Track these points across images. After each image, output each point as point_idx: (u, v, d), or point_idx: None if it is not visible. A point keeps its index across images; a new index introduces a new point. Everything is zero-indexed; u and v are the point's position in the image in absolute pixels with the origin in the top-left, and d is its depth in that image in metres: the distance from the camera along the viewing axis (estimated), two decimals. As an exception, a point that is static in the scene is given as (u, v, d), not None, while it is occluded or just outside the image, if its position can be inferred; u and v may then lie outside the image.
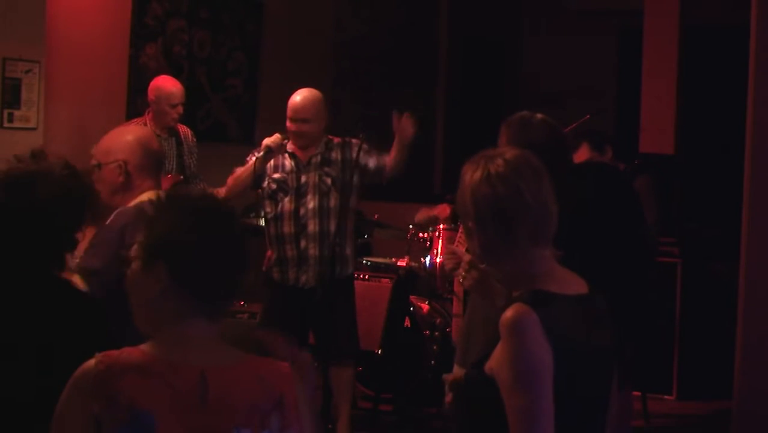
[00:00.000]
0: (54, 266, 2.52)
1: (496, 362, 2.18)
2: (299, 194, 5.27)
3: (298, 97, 5.27)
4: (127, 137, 3.46)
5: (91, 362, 1.91)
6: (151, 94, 6.07)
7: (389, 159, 5.37)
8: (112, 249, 2.93)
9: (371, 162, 5.35)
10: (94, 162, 3.40)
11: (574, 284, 2.30)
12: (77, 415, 1.89)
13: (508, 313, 2.16)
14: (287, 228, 5.27)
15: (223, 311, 2.01)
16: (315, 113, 5.25)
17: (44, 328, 2.39)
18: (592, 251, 3.61)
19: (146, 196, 3.29)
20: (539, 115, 3.49)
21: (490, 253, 2.28)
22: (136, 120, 6.19)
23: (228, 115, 7.74)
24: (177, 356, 1.95)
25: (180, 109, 5.99)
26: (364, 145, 5.29)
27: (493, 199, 2.22)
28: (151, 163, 3.42)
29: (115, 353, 1.93)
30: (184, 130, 6.17)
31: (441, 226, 6.16)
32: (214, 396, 1.92)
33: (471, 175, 2.27)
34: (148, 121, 6.04)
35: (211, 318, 2.00)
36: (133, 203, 3.32)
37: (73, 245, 2.56)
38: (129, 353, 1.93)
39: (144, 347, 1.96)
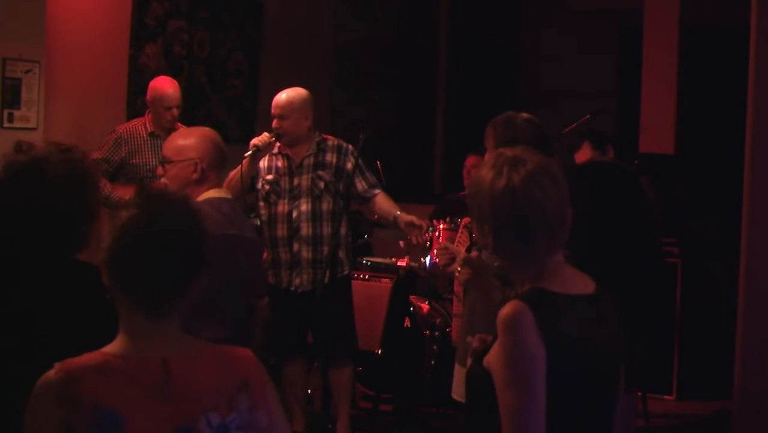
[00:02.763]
0: (71, 250, 2.53)
1: (492, 356, 2.20)
2: (292, 197, 5.25)
3: (281, 94, 5.26)
4: (200, 137, 3.67)
5: (51, 372, 1.94)
6: (148, 94, 6.07)
7: (379, 202, 5.36)
8: None
9: (359, 185, 5.33)
10: (165, 159, 3.62)
11: (580, 284, 2.32)
12: (44, 426, 1.91)
13: (505, 309, 2.19)
14: (280, 231, 5.26)
15: (171, 308, 2.02)
16: (292, 110, 5.20)
17: (65, 313, 2.41)
18: (603, 250, 3.62)
19: (212, 193, 3.55)
20: (524, 115, 3.52)
21: (503, 256, 2.32)
22: (136, 120, 6.18)
23: (228, 115, 7.74)
24: (137, 350, 1.98)
25: (175, 111, 5.95)
26: (360, 162, 5.27)
27: (514, 212, 2.23)
28: (220, 161, 3.65)
29: (74, 359, 1.96)
30: None
31: (441, 226, 6.16)
32: (178, 384, 1.95)
33: (492, 181, 2.26)
34: (147, 122, 6.03)
35: (158, 315, 2.01)
36: (200, 199, 3.48)
37: (90, 226, 2.56)
38: (88, 357, 1.96)
39: (106, 348, 1.99)
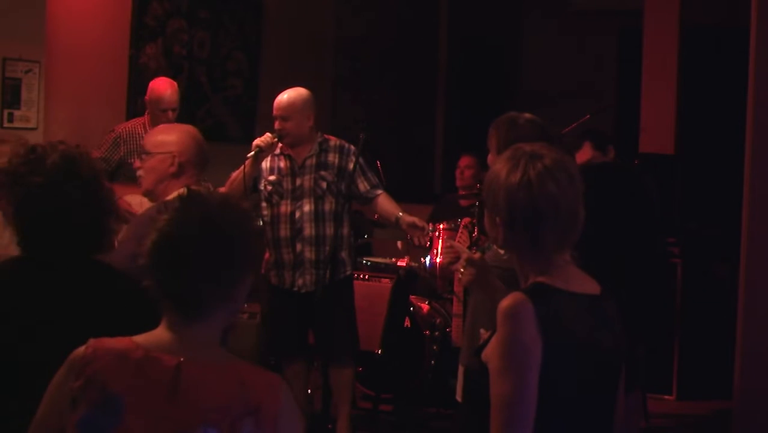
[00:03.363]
0: (96, 250, 2.51)
1: (490, 348, 2.21)
2: (295, 197, 5.26)
3: (283, 95, 5.25)
4: (181, 132, 3.62)
5: (83, 347, 1.99)
6: (147, 94, 6.05)
7: (381, 202, 5.36)
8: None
9: (361, 186, 5.34)
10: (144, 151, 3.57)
11: (584, 284, 2.32)
12: (61, 393, 1.97)
13: (506, 301, 2.20)
14: (283, 231, 5.26)
15: (208, 312, 2.00)
16: (295, 111, 5.19)
17: (85, 313, 2.41)
18: (605, 251, 3.61)
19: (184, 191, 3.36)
20: (527, 115, 3.52)
21: (513, 249, 2.32)
22: (135, 120, 6.18)
23: (228, 115, 7.75)
24: (161, 347, 1.99)
25: (170, 114, 5.91)
26: (361, 160, 5.28)
27: (529, 206, 2.24)
28: (200, 159, 3.58)
29: (105, 339, 1.99)
30: None
31: (441, 226, 6.16)
32: (185, 389, 1.94)
33: (508, 174, 2.26)
34: (146, 122, 6.02)
35: (193, 318, 2.00)
36: (170, 197, 3.40)
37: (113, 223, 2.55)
38: (117, 341, 1.99)
39: (139, 336, 2.01)
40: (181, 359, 1.96)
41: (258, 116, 7.80)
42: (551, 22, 10.14)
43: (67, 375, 1.98)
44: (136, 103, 6.76)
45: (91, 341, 1.99)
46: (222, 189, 5.27)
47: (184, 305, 2.00)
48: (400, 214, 5.31)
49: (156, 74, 6.51)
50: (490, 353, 2.20)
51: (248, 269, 2.04)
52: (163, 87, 5.96)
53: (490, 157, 3.52)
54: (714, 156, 8.00)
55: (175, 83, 6.05)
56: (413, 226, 5.25)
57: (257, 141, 5.14)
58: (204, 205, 2.03)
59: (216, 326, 2.04)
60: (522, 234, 2.26)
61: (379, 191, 5.39)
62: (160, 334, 2.01)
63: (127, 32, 6.86)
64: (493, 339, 2.21)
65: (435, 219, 6.64)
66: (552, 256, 2.27)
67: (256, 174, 5.25)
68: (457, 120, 9.93)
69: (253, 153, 5.10)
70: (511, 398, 2.14)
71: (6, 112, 5.77)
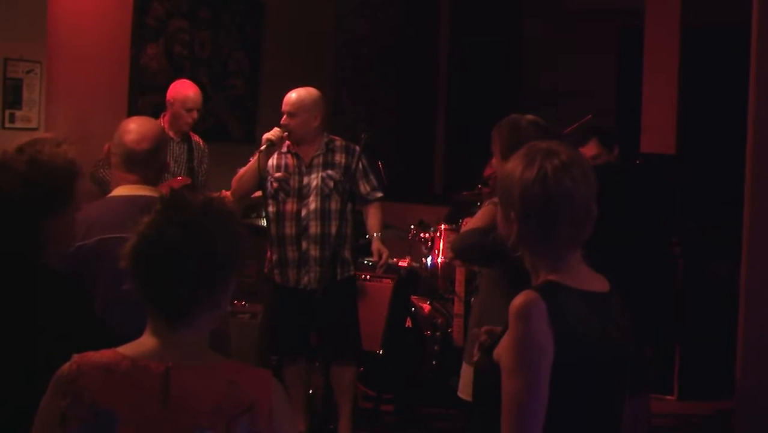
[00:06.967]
0: (31, 252, 2.51)
1: (501, 347, 2.22)
2: (301, 195, 5.27)
3: (292, 92, 5.30)
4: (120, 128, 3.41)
5: (67, 364, 1.96)
6: (169, 95, 6.01)
7: (370, 212, 5.47)
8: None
9: (362, 187, 5.40)
10: None
11: (594, 282, 2.33)
12: (50, 412, 1.94)
13: (518, 299, 2.20)
14: (288, 229, 5.28)
15: (192, 316, 1.99)
16: (302, 109, 5.24)
17: (25, 315, 2.40)
18: (610, 252, 3.61)
19: (118, 192, 3.29)
20: (529, 117, 3.52)
21: (526, 245, 2.32)
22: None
23: (229, 115, 7.75)
24: (147, 355, 1.96)
25: (195, 114, 5.92)
26: (364, 161, 5.30)
27: (544, 200, 2.24)
28: (117, 155, 3.30)
29: (90, 353, 1.96)
30: (196, 138, 6.13)
31: (443, 226, 6.17)
32: (176, 395, 1.92)
33: (524, 169, 2.27)
34: (164, 124, 6.01)
35: (177, 322, 1.98)
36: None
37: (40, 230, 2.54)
38: (102, 354, 1.96)
39: (123, 347, 1.99)
40: (169, 365, 1.93)
41: (259, 116, 7.80)
42: (551, 22, 10.15)
43: (54, 394, 1.94)
44: (137, 104, 6.76)
45: (75, 357, 1.95)
46: (228, 192, 5.28)
47: (167, 310, 1.97)
48: (375, 235, 5.44)
49: (157, 74, 6.50)
50: (501, 352, 2.21)
51: (232, 272, 2.01)
52: (188, 87, 5.97)
53: (494, 161, 3.51)
54: (715, 156, 8.00)
55: (196, 86, 6.03)
56: (379, 253, 5.40)
57: (268, 135, 5.18)
58: (186, 208, 2.00)
59: (202, 329, 2.01)
60: (536, 229, 2.26)
61: (379, 194, 5.43)
62: (145, 341, 1.99)
63: (128, 32, 6.87)
64: (505, 338, 2.21)
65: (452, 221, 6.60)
66: (564, 252, 2.28)
67: (263, 167, 5.25)
68: (457, 120, 9.93)
69: (264, 147, 5.14)
70: (523, 397, 2.14)
71: (7, 112, 5.77)
